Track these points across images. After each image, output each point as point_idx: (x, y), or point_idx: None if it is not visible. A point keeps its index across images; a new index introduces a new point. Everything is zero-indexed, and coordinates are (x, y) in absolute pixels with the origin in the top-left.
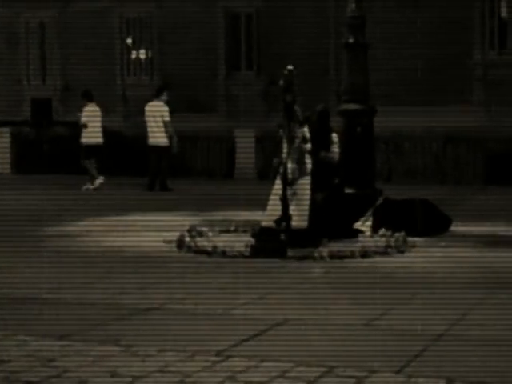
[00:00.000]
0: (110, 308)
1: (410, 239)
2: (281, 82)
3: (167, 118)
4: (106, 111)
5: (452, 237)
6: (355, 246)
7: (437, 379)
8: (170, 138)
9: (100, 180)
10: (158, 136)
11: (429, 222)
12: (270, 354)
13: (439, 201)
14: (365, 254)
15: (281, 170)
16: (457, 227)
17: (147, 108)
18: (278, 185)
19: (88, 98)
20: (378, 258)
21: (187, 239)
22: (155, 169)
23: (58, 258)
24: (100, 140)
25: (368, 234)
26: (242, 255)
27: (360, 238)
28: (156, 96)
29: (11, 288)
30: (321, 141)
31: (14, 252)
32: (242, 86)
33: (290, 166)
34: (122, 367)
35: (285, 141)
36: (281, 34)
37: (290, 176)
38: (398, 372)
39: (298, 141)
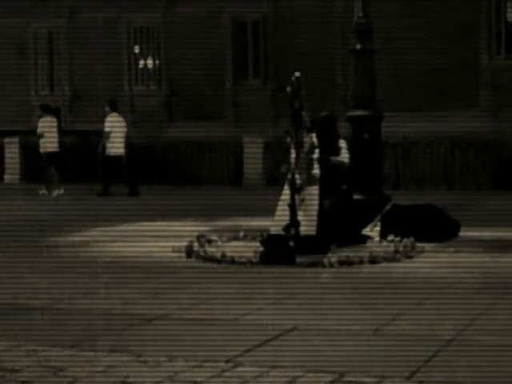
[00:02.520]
0: (119, 317)
1: (418, 245)
2: (288, 89)
3: (125, 129)
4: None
5: (461, 242)
6: (364, 252)
7: None
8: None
9: (44, 191)
10: (120, 146)
11: (437, 228)
12: (280, 360)
13: (447, 206)
14: (373, 260)
15: (289, 176)
16: (465, 232)
17: (112, 119)
18: (286, 191)
19: (44, 110)
20: (386, 264)
21: (196, 247)
22: (112, 176)
23: (67, 267)
24: (56, 148)
25: (376, 239)
26: (250, 262)
27: (368, 244)
28: (115, 109)
29: (20, 297)
30: (327, 147)
31: (23, 261)
32: (249, 93)
33: (298, 173)
34: (133, 376)
35: (293, 147)
36: (288, 41)
37: (298, 183)
38: (408, 378)
39: (306, 147)
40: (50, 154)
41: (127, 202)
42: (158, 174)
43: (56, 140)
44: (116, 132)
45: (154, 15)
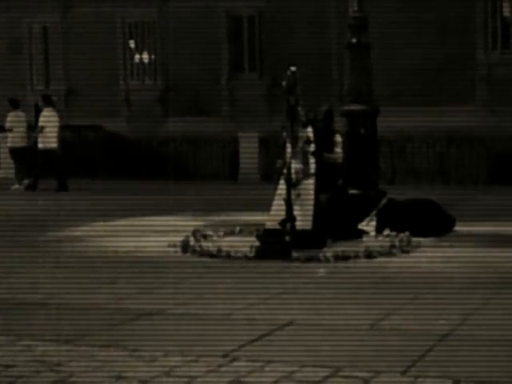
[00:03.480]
0: (115, 312)
1: (414, 239)
2: (284, 84)
3: (58, 124)
4: (109, 115)
5: (456, 237)
6: (360, 246)
7: (443, 380)
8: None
9: (16, 186)
10: (52, 141)
11: (433, 222)
12: (276, 355)
13: (443, 201)
14: (369, 255)
15: (285, 171)
16: (461, 227)
17: (47, 114)
18: (281, 186)
19: (13, 105)
20: (382, 259)
21: (192, 242)
22: (44, 170)
23: (63, 262)
24: (25, 144)
25: (372, 234)
26: (246, 257)
27: (364, 239)
28: (50, 104)
29: (16, 293)
30: (325, 141)
31: (18, 257)
32: (245, 88)
33: (293, 167)
34: (128, 371)
35: (288, 142)
36: (283, 36)
37: (293, 177)
38: (403, 373)
39: (301, 142)
40: (18, 149)
41: (123, 198)
42: (153, 169)
43: (24, 135)
44: (50, 126)
45: (149, 10)
